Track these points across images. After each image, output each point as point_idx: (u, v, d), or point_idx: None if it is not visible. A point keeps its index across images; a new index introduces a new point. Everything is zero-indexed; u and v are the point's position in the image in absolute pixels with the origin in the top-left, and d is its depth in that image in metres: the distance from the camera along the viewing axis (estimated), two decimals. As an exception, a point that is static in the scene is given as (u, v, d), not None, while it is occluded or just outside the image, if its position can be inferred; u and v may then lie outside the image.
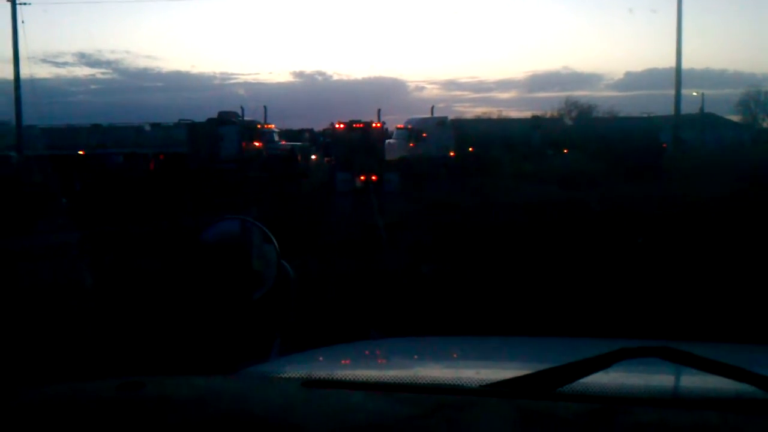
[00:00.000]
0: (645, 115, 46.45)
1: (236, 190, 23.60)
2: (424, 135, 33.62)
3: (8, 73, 39.03)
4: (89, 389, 1.40)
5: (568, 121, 56.07)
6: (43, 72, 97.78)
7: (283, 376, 1.75)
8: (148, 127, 35.73)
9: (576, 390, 1.32)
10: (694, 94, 66.89)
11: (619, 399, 1.27)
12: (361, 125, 31.67)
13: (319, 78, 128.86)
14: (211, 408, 1.26)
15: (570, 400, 1.26)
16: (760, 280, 8.12)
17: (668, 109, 47.21)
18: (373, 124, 31.99)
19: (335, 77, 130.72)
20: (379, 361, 2.39)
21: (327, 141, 35.23)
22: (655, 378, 1.76)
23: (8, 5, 37.63)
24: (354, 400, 1.30)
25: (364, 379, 1.46)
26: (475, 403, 1.25)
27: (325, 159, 33.02)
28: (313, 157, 34.58)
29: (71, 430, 1.19)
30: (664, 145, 40.90)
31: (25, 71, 42.17)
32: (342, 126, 31.82)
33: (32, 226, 12.84)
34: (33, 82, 54.15)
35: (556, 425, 1.14)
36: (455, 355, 2.45)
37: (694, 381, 1.61)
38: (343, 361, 2.31)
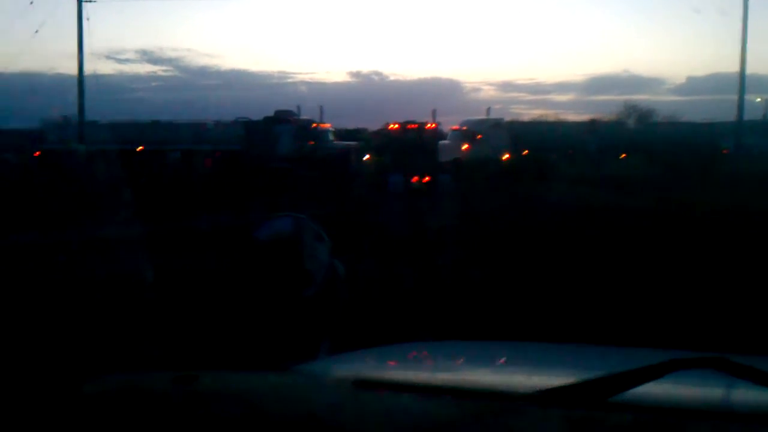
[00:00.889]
0: (706, 121, 45.42)
1: (290, 188, 23.79)
2: (479, 137, 33.47)
3: (72, 69, 39.82)
4: (145, 381, 1.43)
5: (628, 126, 55.20)
6: (106, 68, 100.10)
7: (334, 375, 1.76)
8: (205, 125, 36.29)
9: (627, 400, 1.30)
10: (758, 100, 65.22)
11: (671, 411, 1.24)
12: (416, 126, 31.68)
13: (376, 78, 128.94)
14: (263, 404, 1.28)
15: (620, 410, 1.23)
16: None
17: (730, 115, 46.09)
18: (428, 125, 31.96)
19: (391, 77, 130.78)
20: (428, 364, 2.39)
21: (381, 141, 35.24)
22: (709, 390, 1.71)
23: (74, 2, 38.64)
24: (403, 402, 1.30)
25: (414, 382, 1.46)
26: (523, 411, 1.24)
27: (380, 159, 33.03)
28: (367, 156, 34.63)
29: (128, 421, 1.21)
30: (725, 151, 40.03)
31: (89, 67, 43.05)
32: (396, 126, 31.86)
33: (97, 218, 13.15)
34: (96, 78, 55.51)
35: None
36: (503, 361, 2.43)
37: (750, 395, 1.56)
38: (391, 363, 2.31)
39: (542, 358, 2.42)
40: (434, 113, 35.28)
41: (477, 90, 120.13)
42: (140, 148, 33.36)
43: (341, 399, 1.34)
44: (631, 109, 69.79)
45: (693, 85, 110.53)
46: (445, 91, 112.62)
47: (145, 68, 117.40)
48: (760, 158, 42.62)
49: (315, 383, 1.57)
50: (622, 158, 39.48)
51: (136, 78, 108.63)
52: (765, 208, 17.99)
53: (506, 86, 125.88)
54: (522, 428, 1.17)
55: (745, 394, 1.61)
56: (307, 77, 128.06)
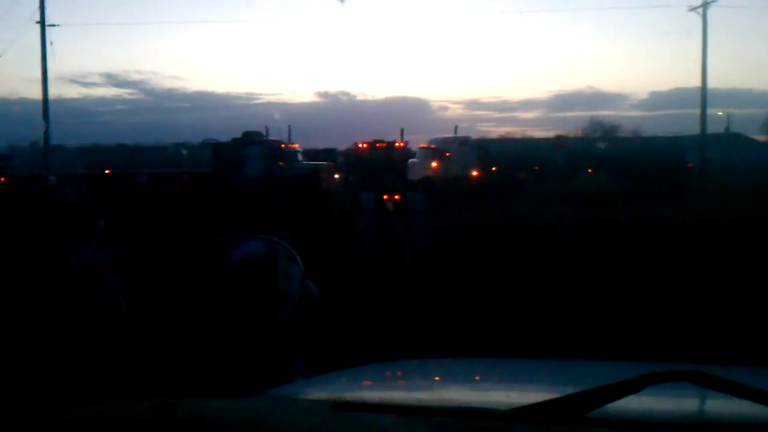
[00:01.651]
0: (670, 135, 46.11)
1: (260, 209, 23.71)
2: (447, 154, 33.63)
3: (37, 93, 39.46)
4: (121, 410, 1.41)
5: (593, 141, 55.82)
6: (71, 92, 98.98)
7: (311, 397, 1.74)
8: (172, 147, 36.12)
9: (605, 414, 1.30)
10: (720, 113, 66.36)
11: (649, 424, 1.25)
12: (384, 144, 31.80)
13: (343, 98, 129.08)
14: (241, 430, 1.26)
15: (600, 425, 1.24)
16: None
17: (694, 129, 46.96)
18: (396, 144, 32.11)
19: (359, 97, 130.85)
20: (405, 383, 2.38)
21: (350, 160, 35.33)
22: (686, 403, 1.73)
23: (37, 27, 38.33)
24: (382, 423, 1.29)
25: (393, 402, 1.45)
26: (505, 429, 1.24)
27: (350, 178, 33.08)
28: (337, 176, 34.67)
29: None
30: (690, 165, 40.62)
31: (53, 91, 42.85)
32: (365, 145, 31.95)
33: (65, 243, 13.01)
34: (61, 102, 55.08)
35: None
36: (481, 378, 2.43)
37: (726, 406, 1.57)
38: (368, 383, 2.30)
39: (519, 374, 2.43)
40: (402, 132, 35.49)
41: (444, 108, 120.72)
42: (107, 171, 33.09)
43: (319, 422, 1.33)
44: (596, 124, 70.72)
45: (656, 100, 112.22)
46: (412, 109, 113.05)
47: (110, 91, 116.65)
48: (724, 171, 43.38)
49: (292, 407, 1.56)
50: (588, 173, 39.90)
51: (102, 101, 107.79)
52: (731, 221, 18.29)
53: (473, 104, 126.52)
54: None
55: (721, 406, 1.63)
56: (274, 98, 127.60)
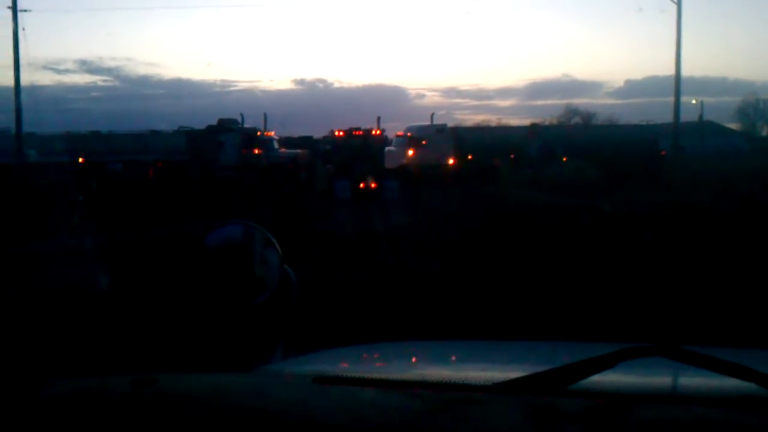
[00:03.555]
0: (644, 123, 46.52)
1: (236, 197, 23.61)
2: (424, 142, 33.65)
3: (9, 80, 38.87)
4: (102, 385, 1.41)
5: (568, 129, 56.17)
6: (45, 79, 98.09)
7: (294, 372, 1.76)
8: (147, 135, 35.81)
9: (583, 388, 1.34)
10: (693, 102, 67.11)
11: (624, 396, 1.28)
12: (361, 132, 31.80)
13: (320, 85, 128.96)
14: (224, 403, 1.27)
15: (577, 396, 1.27)
16: (755, 284, 8.19)
17: (668, 117, 47.31)
18: (373, 132, 32.12)
19: (336, 84, 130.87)
20: (385, 362, 2.40)
21: (327, 148, 35.27)
22: (659, 376, 1.78)
23: (9, 12, 37.75)
24: (365, 396, 1.31)
25: (374, 378, 1.47)
26: (485, 400, 1.27)
27: (326, 166, 33.02)
28: (313, 164, 34.60)
29: (85, 425, 1.20)
30: (663, 153, 41.03)
31: (26, 78, 42.17)
32: (341, 133, 31.93)
33: (40, 230, 12.92)
34: (34, 89, 54.27)
35: (564, 421, 1.16)
36: (460, 358, 2.46)
37: (698, 380, 1.63)
38: (349, 362, 2.32)
39: (497, 355, 2.47)
40: (379, 120, 35.50)
41: (421, 96, 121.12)
42: (82, 159, 32.73)
43: (303, 395, 1.34)
44: (572, 112, 71.29)
45: (631, 88, 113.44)
46: (389, 97, 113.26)
47: (84, 78, 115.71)
48: (697, 159, 43.84)
49: (275, 381, 1.57)
50: (563, 161, 40.17)
51: (76, 88, 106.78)
52: (701, 207, 18.53)
53: (450, 92, 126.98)
54: (484, 417, 1.19)
55: (693, 379, 1.69)
56: (251, 85, 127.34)
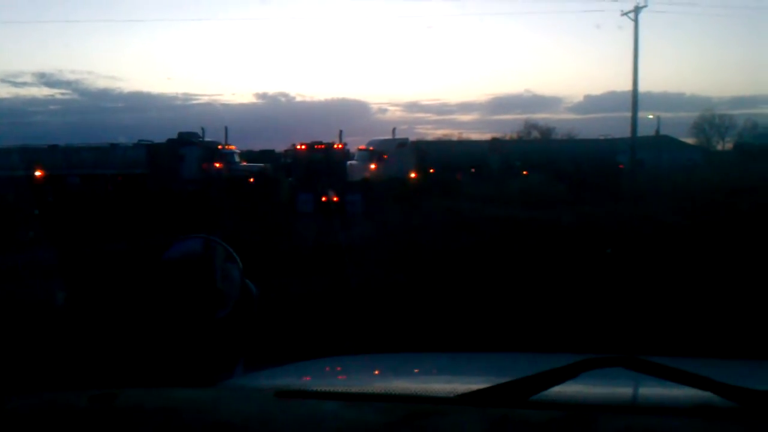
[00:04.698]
0: (602, 137, 47.19)
1: (196, 211, 23.39)
2: (385, 156, 33.70)
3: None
4: (61, 400, 1.38)
5: (528, 144, 56.77)
6: (1, 92, 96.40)
7: (255, 386, 1.74)
8: (106, 148, 35.35)
9: (544, 399, 1.35)
10: (650, 116, 68.30)
11: (586, 407, 1.29)
12: (323, 146, 31.71)
13: (282, 99, 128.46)
14: (184, 418, 1.26)
15: (539, 407, 1.28)
16: (712, 293, 8.35)
17: (626, 131, 48.15)
18: (335, 146, 32.05)
19: (298, 98, 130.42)
20: (347, 375, 2.40)
21: (288, 162, 35.13)
22: (620, 387, 1.81)
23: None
24: (327, 409, 1.31)
25: (336, 391, 1.46)
26: (448, 412, 1.27)
27: (288, 180, 32.88)
28: (275, 178, 34.44)
29: None
30: (621, 166, 41.62)
31: (-19, 91, 41.46)
32: (303, 147, 31.81)
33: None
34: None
35: (526, 431, 1.17)
36: (423, 370, 2.46)
37: (657, 390, 1.65)
38: (312, 376, 2.30)
39: (459, 366, 2.47)
40: (341, 134, 35.38)
41: (384, 110, 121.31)
42: (38, 173, 32.16)
43: (264, 409, 1.33)
44: (532, 127, 72.05)
45: (590, 103, 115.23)
46: (352, 112, 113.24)
47: (42, 91, 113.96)
48: (654, 172, 44.62)
49: (236, 395, 1.56)
50: (524, 175, 40.53)
51: (34, 101, 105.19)
52: (660, 218, 18.84)
53: (412, 107, 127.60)
54: (446, 429, 1.19)
55: (653, 390, 1.71)
56: (212, 99, 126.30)
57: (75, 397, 1.37)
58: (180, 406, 1.35)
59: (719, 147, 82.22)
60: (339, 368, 2.53)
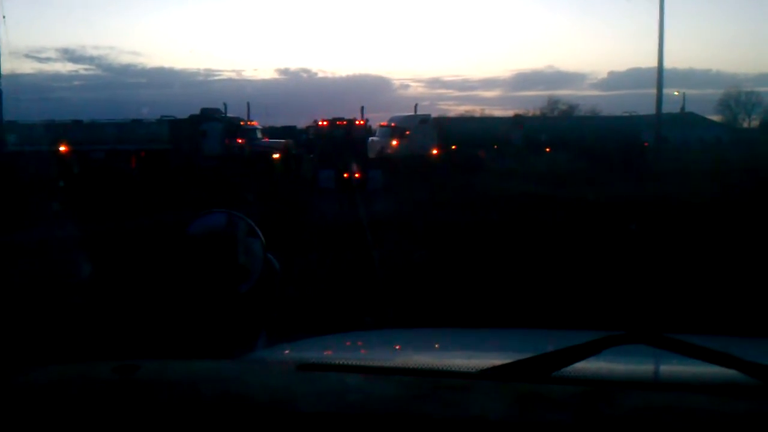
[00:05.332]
0: (626, 114, 46.75)
1: (219, 186, 23.50)
2: (407, 133, 33.64)
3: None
4: (84, 371, 1.40)
5: (552, 120, 56.36)
6: (26, 67, 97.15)
7: (277, 359, 1.75)
8: (129, 124, 35.53)
9: (568, 375, 1.34)
10: (675, 93, 67.49)
11: (608, 383, 1.29)
12: (344, 123, 31.66)
13: (304, 75, 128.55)
14: (206, 390, 1.27)
15: (562, 383, 1.28)
16: (738, 273, 8.28)
17: (650, 108, 47.52)
18: (357, 122, 31.99)
19: (320, 74, 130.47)
20: (369, 350, 2.41)
21: (310, 138, 35.15)
22: (643, 364, 1.80)
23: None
24: (349, 382, 1.31)
25: (357, 365, 1.47)
26: (471, 387, 1.27)
27: (309, 156, 32.91)
28: (296, 154, 34.50)
29: (66, 411, 1.19)
30: (646, 144, 41.27)
31: (7, 67, 41.73)
32: (325, 123, 31.79)
33: (22, 220, 12.82)
34: (15, 77, 53.74)
35: (548, 407, 1.16)
36: (444, 345, 2.47)
37: (681, 367, 1.65)
38: (334, 350, 2.32)
39: (480, 342, 2.48)
40: (362, 110, 35.33)
41: (405, 87, 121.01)
42: (63, 148, 32.41)
43: (286, 381, 1.34)
44: (555, 103, 71.50)
45: (614, 79, 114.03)
46: (373, 88, 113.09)
47: (66, 67, 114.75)
48: (679, 150, 44.17)
49: (258, 368, 1.57)
50: (546, 152, 40.29)
51: (58, 77, 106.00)
52: (685, 197, 18.67)
53: (434, 83, 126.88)
54: (469, 403, 1.20)
55: (676, 366, 1.71)
56: (234, 75, 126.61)
57: (97, 368, 1.39)
58: (201, 377, 1.36)
59: (745, 124, 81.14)
60: (360, 342, 2.55)
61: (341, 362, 1.46)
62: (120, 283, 7.79)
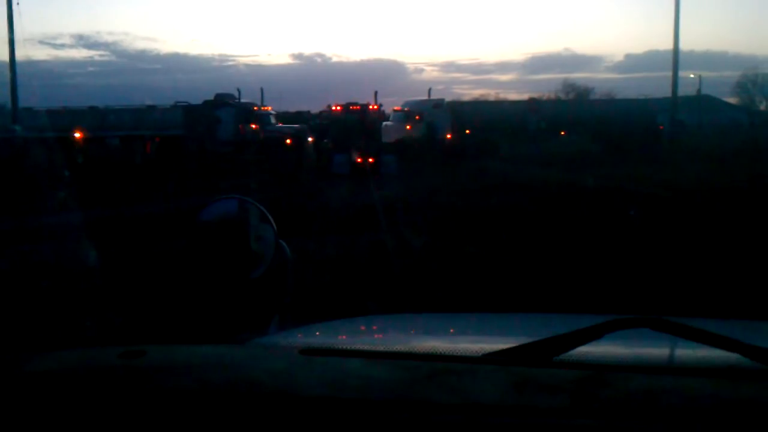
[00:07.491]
0: (642, 97, 46.36)
1: (233, 172, 23.55)
2: (420, 118, 33.53)
3: (4, 55, 38.66)
4: (91, 356, 1.43)
5: (567, 103, 55.99)
6: (41, 54, 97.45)
7: (281, 345, 1.78)
8: (144, 110, 35.62)
9: (570, 359, 1.36)
10: (692, 76, 66.77)
11: (610, 367, 1.30)
12: (358, 107, 31.63)
13: (318, 60, 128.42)
14: (211, 374, 1.29)
15: (563, 367, 1.29)
16: (746, 258, 8.24)
17: (667, 91, 47.17)
18: (370, 107, 31.94)
19: (334, 59, 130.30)
20: (374, 334, 2.43)
21: (324, 123, 35.11)
22: (646, 347, 1.81)
23: (3, -15, 37.29)
24: (352, 366, 1.34)
25: (361, 349, 1.49)
26: (473, 371, 1.29)
27: (323, 141, 32.89)
28: (310, 139, 34.47)
29: (73, 396, 1.21)
30: (661, 127, 40.97)
31: (21, 53, 41.83)
32: (339, 108, 31.76)
33: (37, 206, 12.91)
34: (30, 64, 53.90)
35: (550, 391, 1.18)
36: (452, 330, 2.49)
37: (684, 351, 1.66)
38: (340, 335, 2.34)
39: (484, 326, 2.50)
40: (376, 94, 35.24)
41: (419, 71, 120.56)
42: (78, 134, 32.55)
43: (288, 366, 1.36)
44: (570, 87, 70.94)
45: (631, 62, 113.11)
46: (387, 72, 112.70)
47: (81, 53, 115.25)
48: (695, 133, 43.79)
49: (262, 353, 1.60)
50: (561, 135, 40.08)
51: (72, 63, 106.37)
52: (699, 182, 18.54)
53: (449, 67, 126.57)
54: (471, 386, 1.21)
55: (679, 350, 1.72)
56: (248, 60, 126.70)
57: (104, 354, 1.42)
58: (207, 362, 1.39)
59: (762, 107, 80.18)
60: (364, 327, 2.57)
61: (343, 347, 1.48)
62: (132, 269, 7.85)
